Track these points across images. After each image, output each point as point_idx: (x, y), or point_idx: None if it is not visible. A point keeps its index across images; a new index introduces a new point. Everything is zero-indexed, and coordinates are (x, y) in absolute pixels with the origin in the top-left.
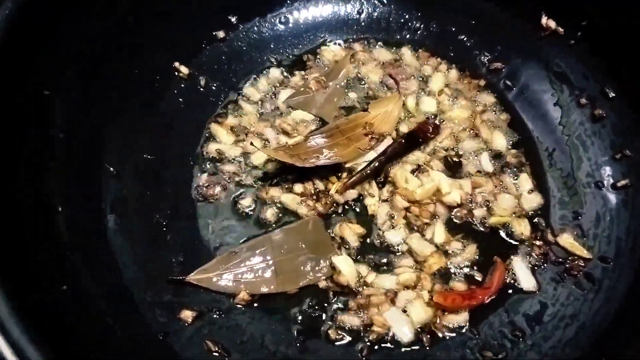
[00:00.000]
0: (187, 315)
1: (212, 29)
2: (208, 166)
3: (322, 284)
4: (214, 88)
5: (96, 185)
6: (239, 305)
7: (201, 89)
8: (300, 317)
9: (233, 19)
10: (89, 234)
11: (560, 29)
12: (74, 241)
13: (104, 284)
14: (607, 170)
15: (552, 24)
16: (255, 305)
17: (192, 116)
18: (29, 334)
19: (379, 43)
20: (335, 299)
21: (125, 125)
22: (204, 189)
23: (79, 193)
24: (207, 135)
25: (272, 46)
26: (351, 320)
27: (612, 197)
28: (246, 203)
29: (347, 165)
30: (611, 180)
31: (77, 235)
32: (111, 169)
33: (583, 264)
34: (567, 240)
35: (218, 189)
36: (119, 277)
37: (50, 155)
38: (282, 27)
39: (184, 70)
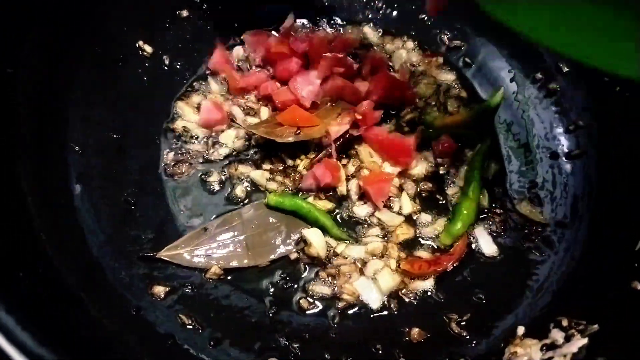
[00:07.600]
0: (159, 290)
1: (175, 8)
2: (175, 144)
3: (293, 256)
4: (178, 67)
5: (62, 164)
6: (210, 280)
7: (165, 68)
8: (272, 289)
9: None
10: (58, 214)
11: None
12: (44, 222)
13: (75, 261)
14: (562, 141)
15: None
16: (229, 278)
17: (157, 95)
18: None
19: (344, 22)
20: (306, 270)
21: (88, 103)
22: (172, 167)
23: (45, 173)
24: (173, 113)
25: (235, 25)
26: (322, 289)
27: (567, 166)
28: (215, 180)
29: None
30: (565, 150)
31: (47, 216)
32: (76, 147)
33: (541, 229)
34: (525, 207)
35: (186, 166)
36: (90, 253)
37: (17, 137)
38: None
39: (148, 49)
